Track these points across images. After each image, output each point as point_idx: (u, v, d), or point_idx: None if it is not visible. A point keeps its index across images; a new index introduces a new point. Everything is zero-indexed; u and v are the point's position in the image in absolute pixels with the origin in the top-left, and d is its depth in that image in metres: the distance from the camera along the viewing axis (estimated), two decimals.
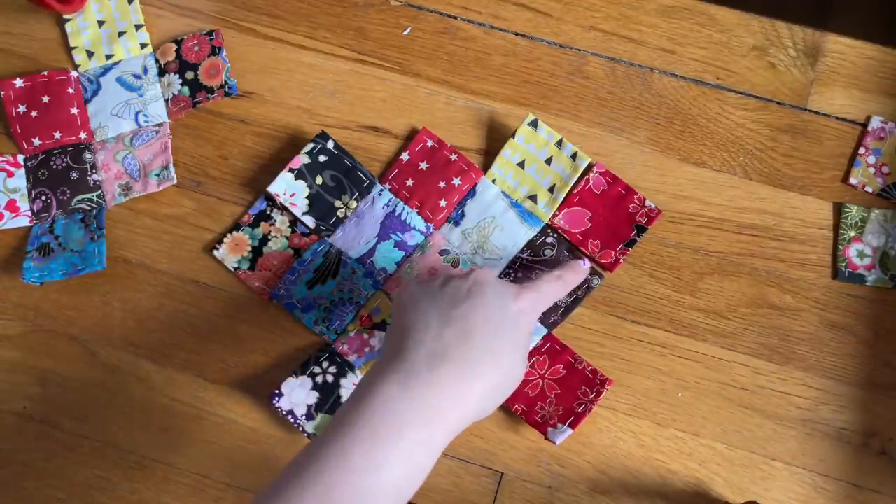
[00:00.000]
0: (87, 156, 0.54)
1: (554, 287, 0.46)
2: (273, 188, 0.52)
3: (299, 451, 0.37)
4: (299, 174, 0.52)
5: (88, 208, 0.53)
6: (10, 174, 0.53)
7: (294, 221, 0.53)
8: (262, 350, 0.52)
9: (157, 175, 0.54)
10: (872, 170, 0.53)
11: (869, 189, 0.53)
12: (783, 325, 0.51)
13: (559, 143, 0.53)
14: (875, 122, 0.54)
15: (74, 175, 0.53)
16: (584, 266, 0.49)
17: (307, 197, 0.52)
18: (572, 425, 0.49)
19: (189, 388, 0.51)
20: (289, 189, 0.52)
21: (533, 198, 0.52)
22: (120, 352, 0.52)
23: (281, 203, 0.52)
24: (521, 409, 0.50)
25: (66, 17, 0.56)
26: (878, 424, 0.50)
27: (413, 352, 0.38)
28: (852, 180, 0.53)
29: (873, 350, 0.51)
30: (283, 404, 0.49)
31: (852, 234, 0.52)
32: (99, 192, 0.53)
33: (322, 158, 0.52)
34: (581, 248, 0.52)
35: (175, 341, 0.52)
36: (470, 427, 0.50)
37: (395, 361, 0.38)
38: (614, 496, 0.49)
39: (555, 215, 0.52)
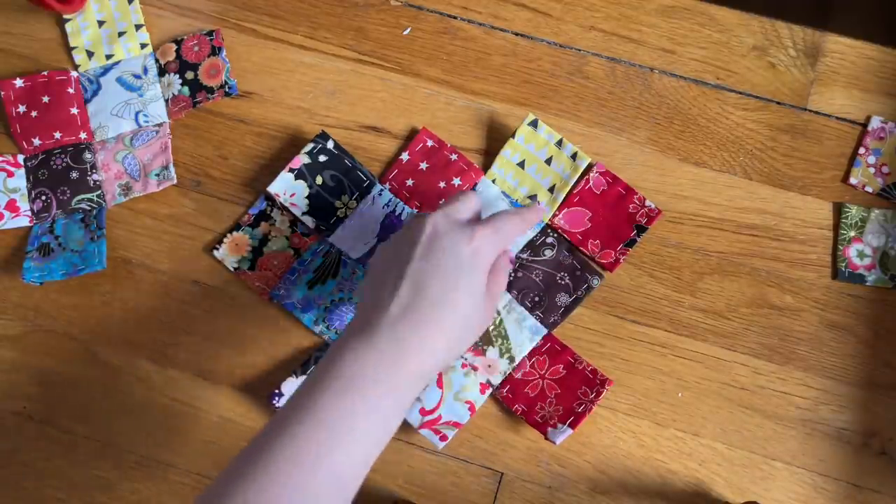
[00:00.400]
0: (87, 156, 0.54)
1: (511, 221, 0.45)
2: (273, 188, 0.52)
3: (274, 414, 0.38)
4: (299, 174, 0.52)
5: (88, 208, 0.53)
6: (10, 174, 0.53)
7: (294, 221, 0.53)
8: (262, 350, 0.52)
9: (157, 175, 0.54)
10: (872, 170, 0.53)
11: (869, 189, 0.53)
12: (783, 325, 0.51)
13: (559, 143, 0.53)
14: (875, 122, 0.54)
15: (74, 175, 0.53)
16: (541, 206, 0.49)
17: (307, 197, 0.52)
18: (572, 425, 0.49)
19: (189, 388, 0.51)
20: (289, 189, 0.52)
21: (533, 198, 0.52)
22: (120, 352, 0.52)
23: (281, 203, 0.52)
24: (521, 409, 0.50)
25: (66, 17, 0.56)
26: (878, 424, 0.50)
27: (375, 314, 0.40)
28: (852, 180, 0.53)
29: (873, 350, 0.51)
30: (283, 404, 0.49)
31: (852, 234, 0.52)
32: (99, 192, 0.53)
33: (322, 158, 0.53)
34: (581, 248, 0.52)
35: (175, 341, 0.52)
36: (470, 427, 0.50)
37: (359, 324, 0.40)
38: (614, 496, 0.49)
39: (555, 215, 0.52)
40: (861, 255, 0.52)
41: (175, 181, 0.53)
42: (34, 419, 0.51)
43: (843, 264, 0.52)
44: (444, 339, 0.40)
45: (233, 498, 0.35)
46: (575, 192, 0.52)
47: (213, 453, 0.50)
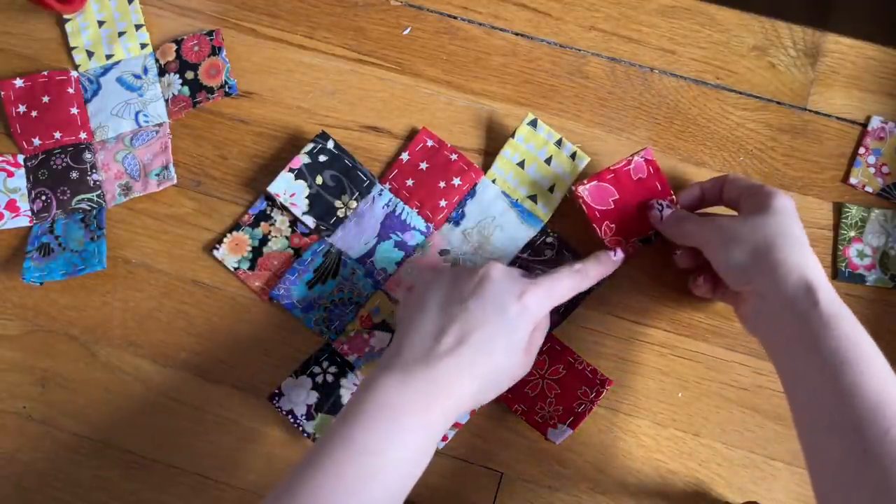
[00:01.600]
0: (87, 156, 0.54)
1: (570, 282, 0.45)
2: (273, 188, 0.52)
3: (311, 447, 0.40)
4: (299, 174, 0.52)
5: (88, 208, 0.53)
6: (10, 174, 0.53)
7: (294, 221, 0.53)
8: (262, 350, 0.52)
9: (157, 175, 0.54)
10: (872, 170, 0.53)
11: (869, 189, 0.53)
12: None
13: (559, 143, 0.53)
14: (875, 122, 0.54)
15: (74, 175, 0.53)
16: (616, 258, 0.48)
17: (307, 197, 0.52)
18: (572, 425, 0.49)
19: (189, 388, 0.51)
20: (289, 189, 0.52)
21: (533, 198, 0.52)
22: (120, 352, 0.52)
23: (281, 203, 0.52)
24: (521, 409, 0.50)
25: (66, 17, 0.56)
26: None
27: (413, 348, 0.41)
28: (852, 180, 0.53)
29: None
30: (283, 404, 0.49)
31: (852, 234, 0.52)
32: (99, 192, 0.53)
33: (322, 158, 0.52)
34: (594, 225, 0.49)
35: (175, 341, 0.52)
36: (470, 427, 0.50)
37: (397, 356, 0.41)
38: (614, 496, 0.49)
39: (580, 184, 0.49)
40: (861, 255, 0.52)
41: (175, 181, 0.53)
42: (34, 419, 0.51)
43: (843, 264, 0.52)
44: (474, 385, 0.42)
45: None
46: (612, 168, 0.49)
47: (213, 453, 0.50)
